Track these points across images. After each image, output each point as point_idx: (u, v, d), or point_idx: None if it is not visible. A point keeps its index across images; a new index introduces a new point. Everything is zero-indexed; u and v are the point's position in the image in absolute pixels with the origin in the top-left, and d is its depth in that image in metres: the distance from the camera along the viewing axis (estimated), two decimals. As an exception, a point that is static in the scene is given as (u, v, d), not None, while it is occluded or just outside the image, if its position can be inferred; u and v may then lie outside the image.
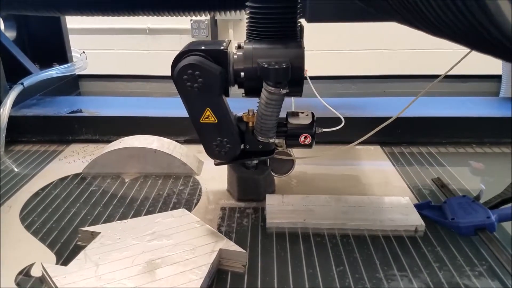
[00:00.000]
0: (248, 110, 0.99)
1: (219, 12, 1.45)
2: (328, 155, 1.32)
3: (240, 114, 1.01)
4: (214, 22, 2.68)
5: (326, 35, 2.48)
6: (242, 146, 1.00)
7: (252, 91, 0.93)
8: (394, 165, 1.29)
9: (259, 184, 1.09)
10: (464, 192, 1.12)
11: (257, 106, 0.94)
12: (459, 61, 1.02)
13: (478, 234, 0.92)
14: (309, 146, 1.00)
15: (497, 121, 1.41)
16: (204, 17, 2.59)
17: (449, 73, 1.08)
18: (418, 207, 1.01)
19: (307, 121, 0.99)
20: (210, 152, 0.99)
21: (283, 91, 0.86)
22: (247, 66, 0.90)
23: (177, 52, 0.90)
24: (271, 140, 0.97)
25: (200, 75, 0.87)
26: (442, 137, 1.43)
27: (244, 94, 0.95)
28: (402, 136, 1.42)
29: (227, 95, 0.95)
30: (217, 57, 0.89)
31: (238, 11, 1.46)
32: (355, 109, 1.46)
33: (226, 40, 0.97)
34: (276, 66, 0.84)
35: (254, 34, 0.93)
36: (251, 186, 1.09)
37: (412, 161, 1.32)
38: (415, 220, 0.96)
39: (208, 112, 0.92)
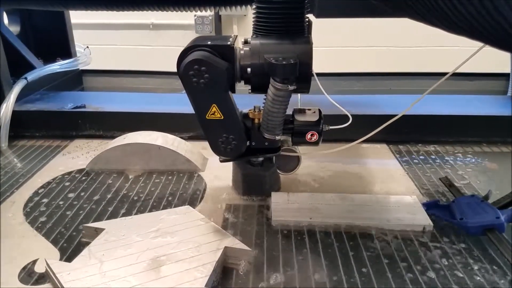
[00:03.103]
0: (254, 107, 0.98)
1: (224, 7, 1.43)
2: (333, 153, 1.31)
3: (245, 110, 1.00)
4: (218, 18, 2.66)
5: (331, 32, 2.46)
6: (248, 143, 0.98)
7: (258, 87, 0.92)
8: (400, 164, 1.28)
9: (264, 181, 1.07)
10: (473, 191, 1.11)
11: (263, 103, 0.93)
12: (468, 58, 1.01)
13: (486, 234, 0.91)
14: (315, 143, 0.99)
15: (505, 120, 1.39)
16: (208, 13, 2.57)
17: (455, 71, 1.07)
18: (426, 206, 1.00)
19: (314, 118, 0.98)
20: (215, 149, 0.98)
21: (291, 88, 0.85)
22: (254, 62, 0.88)
23: (182, 48, 0.89)
24: (277, 137, 0.96)
25: (207, 70, 0.86)
26: (450, 136, 1.41)
27: (250, 90, 0.94)
28: (408, 134, 1.41)
29: (233, 91, 0.94)
30: (224, 53, 0.88)
31: (243, 7, 1.44)
32: (360, 107, 1.45)
33: (232, 35, 0.96)
34: (284, 62, 0.83)
35: (261, 29, 0.92)
36: (256, 183, 1.08)
37: (419, 160, 1.30)
38: (423, 220, 0.95)
39: (214, 108, 0.92)
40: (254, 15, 0.93)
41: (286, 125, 0.97)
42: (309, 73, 0.89)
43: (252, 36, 0.94)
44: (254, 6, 0.92)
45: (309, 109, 1.01)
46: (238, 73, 0.91)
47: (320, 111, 1.00)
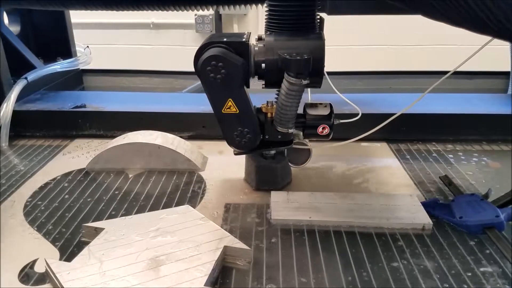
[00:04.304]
0: (267, 102, 1.01)
1: (228, 6, 1.43)
2: (333, 152, 1.31)
3: (258, 105, 1.02)
4: (218, 17, 2.66)
5: (332, 30, 2.46)
6: (261, 136, 1.01)
7: (272, 82, 0.94)
8: (400, 162, 1.27)
9: (276, 173, 1.10)
10: (472, 190, 1.10)
11: (275, 97, 0.96)
12: (470, 56, 1.01)
13: (486, 232, 0.91)
14: (326, 136, 1.01)
15: (505, 119, 1.39)
16: (209, 12, 2.57)
17: (456, 70, 1.07)
18: (426, 205, 1.00)
19: (326, 112, 1.01)
20: (230, 142, 1.01)
21: (304, 82, 0.88)
22: (268, 58, 0.91)
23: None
24: (290, 131, 0.98)
25: (223, 66, 0.89)
26: (449, 134, 1.41)
27: (264, 86, 0.96)
28: (408, 133, 1.41)
29: (248, 86, 0.97)
30: (239, 49, 0.91)
31: (244, 6, 1.44)
32: (362, 105, 1.44)
33: (246, 32, 0.99)
34: (298, 57, 0.86)
35: (274, 26, 0.95)
36: (268, 175, 1.10)
37: (419, 158, 1.30)
38: (423, 218, 0.95)
39: (230, 102, 0.95)
40: (267, 13, 0.96)
41: (298, 119, 1.00)
42: (321, 68, 0.92)
43: (265, 33, 0.97)
44: (266, 4, 0.95)
45: (321, 103, 1.03)
46: (253, 68, 0.93)
47: (331, 105, 1.02)
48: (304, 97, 0.96)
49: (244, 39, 0.92)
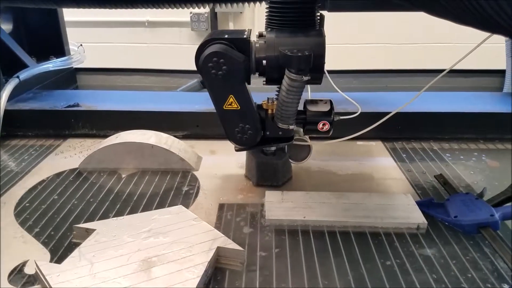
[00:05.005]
0: (268, 98, 1.01)
1: (225, 4, 1.42)
2: (328, 151, 1.30)
3: (259, 102, 1.02)
4: (214, 15, 2.65)
5: (327, 29, 2.45)
6: (262, 133, 1.01)
7: (273, 79, 0.94)
8: (395, 161, 1.27)
9: (277, 169, 1.10)
10: (467, 189, 1.10)
11: (276, 94, 0.96)
12: (467, 54, 1.00)
13: (481, 232, 0.90)
14: (327, 133, 1.02)
15: (500, 117, 1.39)
16: (204, 10, 2.56)
17: (452, 68, 1.07)
18: (420, 204, 0.99)
19: (326, 108, 1.01)
20: (232, 138, 1.01)
21: (305, 78, 0.88)
22: (269, 54, 0.91)
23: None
24: (291, 127, 0.99)
25: (225, 62, 0.89)
26: (445, 133, 1.41)
27: (264, 82, 0.96)
28: (404, 131, 1.40)
29: (249, 82, 0.97)
30: (240, 46, 0.92)
31: (239, 4, 1.43)
32: (357, 104, 1.44)
33: (246, 29, 0.99)
34: (299, 54, 0.86)
35: (274, 23, 0.95)
36: (269, 172, 1.10)
37: (414, 157, 1.29)
38: (417, 218, 0.94)
39: (231, 99, 0.95)
40: (268, 10, 0.96)
41: (299, 115, 1.00)
42: (322, 65, 0.92)
43: (266, 30, 0.97)
44: (267, 1, 0.96)
45: (321, 100, 1.04)
46: (254, 65, 0.94)
47: (331, 102, 1.02)
48: (304, 95, 0.95)
49: (245, 36, 0.93)
